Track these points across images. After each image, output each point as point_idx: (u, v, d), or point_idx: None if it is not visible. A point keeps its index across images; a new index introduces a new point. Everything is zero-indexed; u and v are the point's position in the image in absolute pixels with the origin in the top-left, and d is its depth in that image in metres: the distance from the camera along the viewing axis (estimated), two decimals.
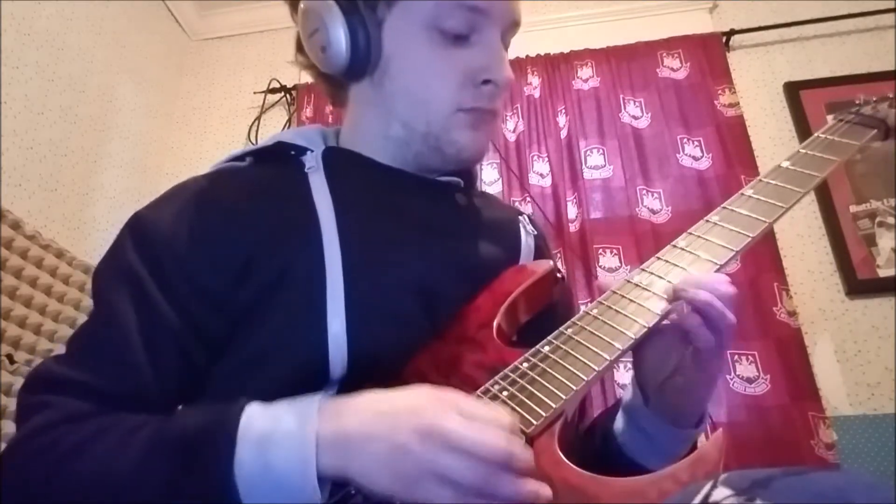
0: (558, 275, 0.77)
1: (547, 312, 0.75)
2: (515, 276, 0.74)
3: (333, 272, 0.64)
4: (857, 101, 0.85)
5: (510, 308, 0.70)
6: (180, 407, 0.64)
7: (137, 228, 0.67)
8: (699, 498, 0.40)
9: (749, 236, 0.66)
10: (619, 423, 0.70)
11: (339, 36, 0.71)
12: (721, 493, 0.38)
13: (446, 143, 0.74)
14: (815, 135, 0.80)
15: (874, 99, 0.85)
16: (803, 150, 0.77)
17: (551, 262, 0.76)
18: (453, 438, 0.46)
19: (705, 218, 0.71)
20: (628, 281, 0.66)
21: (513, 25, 0.77)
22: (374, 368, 0.59)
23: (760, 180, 0.74)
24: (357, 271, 0.65)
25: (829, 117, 0.84)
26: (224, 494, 0.48)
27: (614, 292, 0.65)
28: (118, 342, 0.60)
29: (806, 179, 0.72)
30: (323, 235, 0.66)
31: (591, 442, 0.75)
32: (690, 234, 0.69)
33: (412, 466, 0.46)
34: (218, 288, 0.63)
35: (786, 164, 0.76)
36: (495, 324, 0.67)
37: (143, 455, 0.52)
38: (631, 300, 0.63)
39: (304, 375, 0.57)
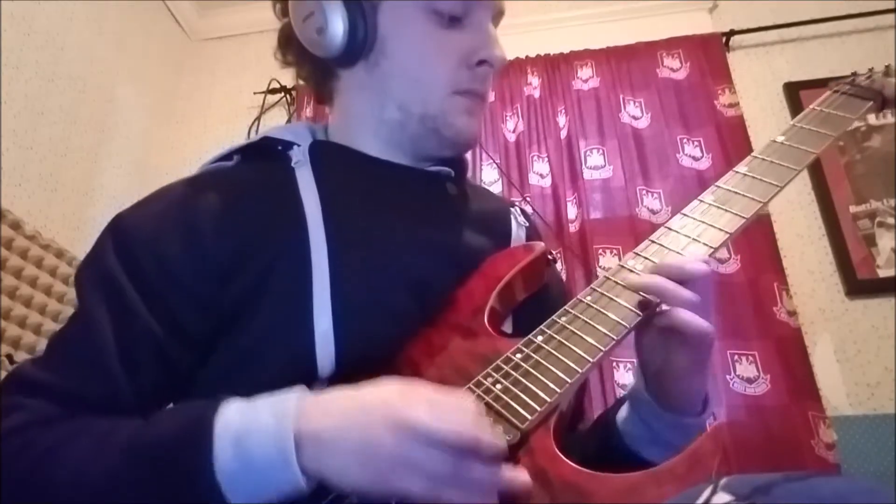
0: (550, 257, 0.77)
1: (540, 297, 0.75)
2: (507, 259, 0.73)
3: (320, 268, 0.63)
4: (853, 72, 0.83)
5: (502, 292, 0.69)
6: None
7: (118, 230, 0.67)
8: (699, 501, 0.39)
9: (744, 218, 0.65)
10: (623, 411, 0.70)
11: (336, 16, 0.72)
12: (721, 497, 0.38)
13: (444, 125, 0.74)
14: (811, 107, 0.79)
15: (870, 68, 0.83)
16: (798, 125, 0.76)
17: (543, 244, 0.75)
18: (422, 429, 0.47)
19: (699, 198, 0.70)
20: (622, 266, 0.65)
21: (499, 14, 0.78)
22: (363, 365, 0.58)
23: (755, 157, 0.73)
24: (344, 267, 0.64)
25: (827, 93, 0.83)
26: (206, 494, 0.48)
27: (608, 278, 0.64)
28: (91, 347, 0.60)
29: (800, 156, 0.71)
30: (309, 231, 0.66)
31: (594, 432, 0.74)
32: (685, 215, 0.68)
33: (384, 459, 0.47)
34: (202, 289, 0.63)
35: (780, 139, 0.74)
36: (487, 309, 0.66)
37: (120, 461, 0.51)
38: (625, 287, 0.62)
39: (293, 375, 0.56)
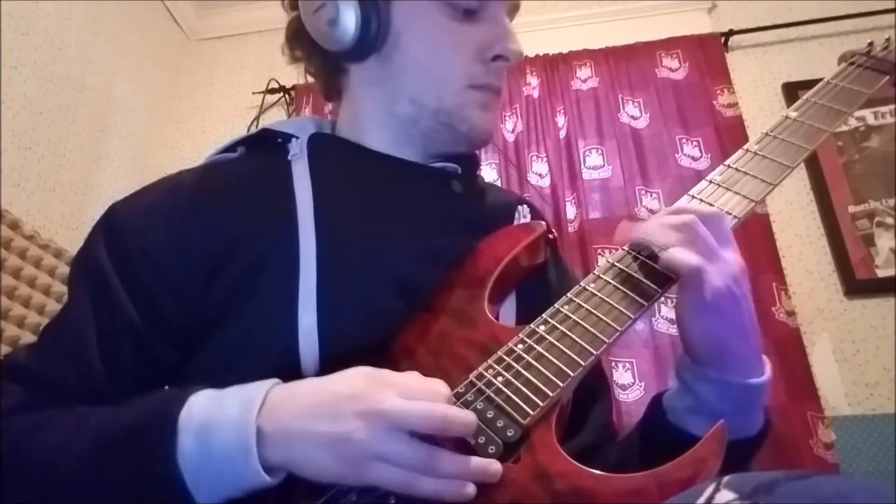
0: (551, 235, 0.75)
1: (544, 280, 0.74)
2: (506, 239, 0.71)
3: (307, 265, 0.62)
4: (869, 43, 0.80)
5: (502, 275, 0.67)
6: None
7: (110, 221, 0.67)
8: (702, 499, 0.39)
9: (753, 201, 0.64)
10: (671, 387, 0.65)
11: (348, 7, 0.70)
12: (724, 496, 0.38)
13: (458, 119, 0.73)
14: (825, 80, 0.76)
15: (887, 38, 0.79)
16: (812, 99, 0.74)
17: (543, 224, 0.74)
18: (392, 415, 0.47)
19: (707, 178, 0.68)
20: (628, 252, 0.63)
21: (514, 9, 0.78)
22: (348, 363, 0.56)
23: (766, 134, 0.71)
24: (332, 264, 0.63)
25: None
26: (170, 486, 0.48)
27: (613, 265, 0.62)
28: (72, 337, 0.61)
29: (813, 134, 0.69)
30: (299, 226, 0.65)
31: (638, 423, 0.71)
32: (692, 196, 0.66)
33: (357, 451, 0.47)
34: (188, 283, 0.62)
35: (793, 114, 0.72)
36: (486, 294, 0.65)
37: (89, 449, 0.52)
38: (630, 274, 0.60)
39: (277, 372, 0.56)
